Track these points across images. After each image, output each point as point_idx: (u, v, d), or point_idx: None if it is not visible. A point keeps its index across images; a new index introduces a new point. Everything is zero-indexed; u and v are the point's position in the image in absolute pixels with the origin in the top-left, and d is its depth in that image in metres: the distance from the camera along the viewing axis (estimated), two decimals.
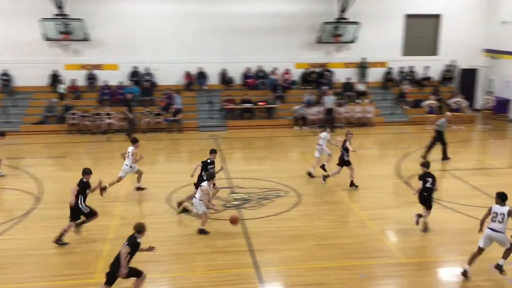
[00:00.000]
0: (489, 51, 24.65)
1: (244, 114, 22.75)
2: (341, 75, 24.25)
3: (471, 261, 9.22)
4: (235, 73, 24.00)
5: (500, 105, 23.18)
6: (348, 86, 23.83)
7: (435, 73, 24.87)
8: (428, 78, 24.69)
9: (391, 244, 10.77)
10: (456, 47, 24.56)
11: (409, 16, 24.53)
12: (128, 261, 7.96)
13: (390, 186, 14.62)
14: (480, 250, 9.17)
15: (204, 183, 10.88)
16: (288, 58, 24.05)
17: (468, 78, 25.20)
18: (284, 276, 9.38)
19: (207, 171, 11.62)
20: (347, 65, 24.51)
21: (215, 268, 9.54)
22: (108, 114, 21.37)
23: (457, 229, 11.37)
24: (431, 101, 22.40)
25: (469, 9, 24.64)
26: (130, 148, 13.24)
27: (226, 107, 22.59)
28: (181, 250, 10.34)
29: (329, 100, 22.04)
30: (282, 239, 10.85)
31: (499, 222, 8.95)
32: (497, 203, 9.10)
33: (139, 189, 13.66)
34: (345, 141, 13.86)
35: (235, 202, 12.97)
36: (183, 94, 22.85)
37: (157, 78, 23.49)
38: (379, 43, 24.09)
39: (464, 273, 9.19)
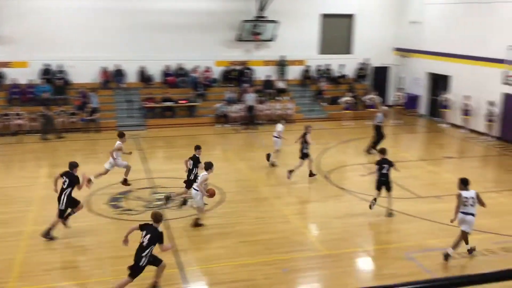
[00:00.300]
0: (399, 50, 26.04)
1: (165, 113, 22.37)
2: (261, 73, 24.55)
3: (456, 245, 9.62)
4: (155, 71, 23.51)
5: (410, 101, 24.57)
6: (268, 83, 24.17)
7: (350, 71, 25.86)
8: (343, 76, 25.63)
9: (313, 237, 11.08)
10: (369, 46, 25.69)
11: (325, 16, 25.31)
12: (151, 250, 8.16)
13: (310, 181, 15.01)
14: (464, 234, 9.61)
15: (204, 172, 11.16)
16: (208, 55, 23.95)
17: (381, 75, 26.48)
18: (209, 274, 9.35)
19: (196, 167, 12.11)
20: (267, 63, 24.86)
21: None
22: (18, 115, 20.13)
23: (373, 220, 11.90)
24: (348, 98, 23.29)
25: (380, 9, 25.87)
26: (117, 143, 13.43)
27: (146, 105, 22.09)
28: (103, 254, 9.99)
29: (250, 98, 22.24)
30: (206, 238, 10.81)
31: (471, 205, 9.51)
32: (462, 189, 9.64)
33: (125, 183, 13.56)
34: (305, 134, 14.32)
35: (157, 203, 12.72)
36: (100, 93, 22.03)
37: (71, 76, 22.46)
38: (297, 41, 24.65)
39: (446, 256, 9.59)
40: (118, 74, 22.99)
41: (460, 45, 21.57)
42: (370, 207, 11.90)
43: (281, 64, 24.83)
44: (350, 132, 21.53)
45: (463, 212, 9.59)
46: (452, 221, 9.82)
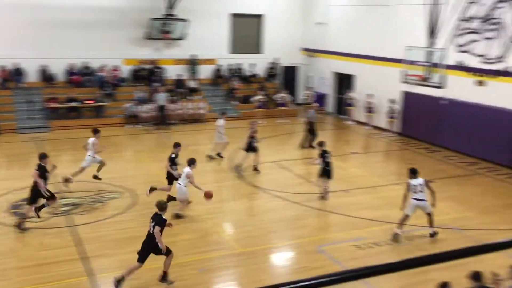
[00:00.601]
0: (306, 50, 26.87)
1: (70, 114, 21.30)
2: (172, 72, 24.19)
3: (401, 225, 10.68)
4: (58, 70, 22.31)
5: (318, 100, 25.42)
6: (179, 83, 23.87)
7: (260, 70, 26.26)
8: (254, 75, 25.97)
9: (227, 236, 11.10)
10: (278, 46, 26.25)
11: (235, 15, 25.48)
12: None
13: (225, 179, 15.03)
14: (407, 217, 10.68)
15: (186, 168, 11.52)
16: (116, 54, 23.15)
17: (290, 75, 27.17)
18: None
19: (175, 165, 12.34)
20: (178, 62, 24.54)
21: (46, 281, 8.77)
22: None
23: (286, 216, 12.17)
24: (260, 97, 23.59)
25: (288, 10, 26.52)
26: (91, 139, 13.54)
27: (49, 106, 20.90)
28: (5, 265, 9.29)
29: (161, 97, 21.82)
30: (118, 243, 10.44)
31: (421, 191, 10.58)
32: (411, 178, 10.69)
33: (96, 178, 13.66)
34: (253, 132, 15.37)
35: (64, 208, 12.08)
36: None
37: None
38: (208, 40, 24.59)
39: (395, 236, 10.66)
40: (17, 73, 21.54)
41: (362, 45, 22.69)
42: (323, 197, 13.00)
43: (192, 63, 24.63)
44: (263, 131, 21.82)
45: (414, 199, 10.66)
46: (401, 209, 10.79)
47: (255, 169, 15.33)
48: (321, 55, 25.74)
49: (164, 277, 8.85)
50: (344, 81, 24.79)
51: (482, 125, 17.20)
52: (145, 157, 17.03)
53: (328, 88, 25.60)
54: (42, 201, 11.05)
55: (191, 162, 11.63)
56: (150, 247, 8.65)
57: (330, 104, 25.64)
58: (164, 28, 23.34)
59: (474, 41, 17.50)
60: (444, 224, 11.73)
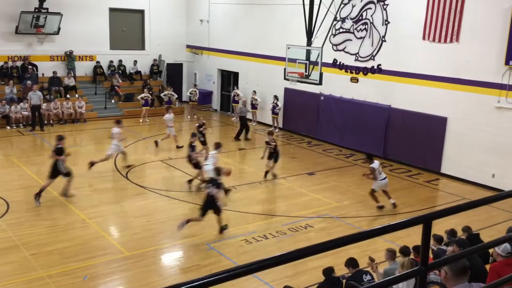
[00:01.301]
0: (191, 47, 26.70)
1: None
2: (46, 69, 22.63)
3: (376, 200, 12.65)
4: None
5: (204, 97, 25.42)
6: (55, 80, 22.38)
7: (144, 67, 25.57)
8: (138, 72, 25.23)
9: (113, 240, 10.65)
10: (162, 43, 25.77)
11: (113, 10, 24.48)
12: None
13: (109, 181, 14.43)
14: (374, 192, 12.62)
15: (214, 152, 13.58)
16: None
17: (175, 72, 26.82)
18: None
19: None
20: (53, 58, 23.01)
21: None
22: None
23: (175, 215, 11.99)
24: (144, 95, 22.91)
25: (170, 7, 26.09)
26: (115, 129, 14.86)
27: None
28: None
29: (35, 96, 20.23)
30: None
31: (380, 172, 12.58)
32: (371, 163, 12.56)
33: (128, 167, 14.98)
34: (201, 126, 16.21)
35: None
36: None
37: None
38: (86, 35, 23.36)
39: (380, 207, 12.59)
40: None
41: (245, 43, 23.09)
42: (275, 177, 14.80)
43: (69, 59, 23.21)
44: (148, 129, 21.34)
45: (381, 179, 12.53)
46: (373, 190, 12.59)
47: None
48: (206, 52, 25.76)
49: (222, 230, 10.87)
50: (229, 78, 25.07)
51: (356, 119, 18.42)
52: (17, 161, 15.74)
53: (213, 85, 25.70)
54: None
55: (218, 146, 13.74)
56: (210, 207, 10.58)
57: (216, 101, 25.77)
58: (36, 22, 21.70)
59: (348, 40, 18.66)
60: (325, 214, 12.37)
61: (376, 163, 12.69)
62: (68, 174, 12.50)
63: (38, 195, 12.12)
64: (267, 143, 15.00)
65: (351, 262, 7.56)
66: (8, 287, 8.46)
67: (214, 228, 11.37)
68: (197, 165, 13.94)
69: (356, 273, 7.40)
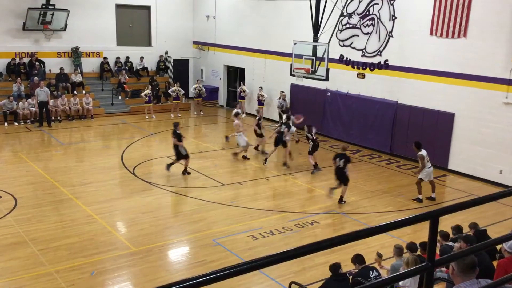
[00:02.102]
0: (197, 43, 26.71)
1: None
2: (53, 65, 22.72)
3: (420, 192, 12.93)
4: None
5: (210, 93, 25.43)
6: (62, 76, 22.46)
7: (150, 63, 25.61)
8: (144, 69, 25.26)
9: (120, 236, 10.70)
10: (168, 39, 25.79)
11: (120, 6, 24.49)
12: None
13: (116, 177, 14.49)
14: (421, 181, 12.90)
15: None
16: None
17: (181, 68, 26.83)
18: None
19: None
20: (60, 54, 23.10)
21: None
22: None
23: (182, 211, 12.05)
24: (149, 91, 22.95)
25: (177, 3, 26.08)
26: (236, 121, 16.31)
27: None
28: None
29: (42, 93, 20.31)
30: None
31: (428, 161, 12.73)
32: (422, 152, 12.53)
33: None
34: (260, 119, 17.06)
35: None
36: None
37: None
38: (93, 32, 23.43)
39: (418, 200, 12.95)
40: None
41: (252, 39, 23.06)
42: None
43: (76, 56, 23.28)
44: (154, 125, 21.40)
45: (428, 167, 12.69)
46: (420, 180, 12.85)
47: (185, 171, 14.79)
48: (212, 48, 25.75)
49: (340, 200, 12.47)
50: (235, 74, 25.06)
51: (363, 115, 18.36)
52: (25, 157, 15.84)
53: (220, 81, 25.71)
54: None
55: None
56: (341, 178, 12.37)
57: (222, 97, 25.78)
58: (43, 18, 21.78)
59: (355, 36, 18.58)
60: (332, 210, 12.36)
61: (425, 152, 12.63)
62: (187, 156, 14.43)
63: (185, 171, 14.57)
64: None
65: (358, 258, 7.55)
66: (16, 282, 8.54)
67: (220, 224, 11.40)
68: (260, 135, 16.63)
69: (363, 269, 7.39)
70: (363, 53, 18.31)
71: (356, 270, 7.55)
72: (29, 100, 20.63)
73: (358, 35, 18.46)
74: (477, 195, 12.82)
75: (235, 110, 17.60)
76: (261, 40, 22.55)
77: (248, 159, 16.23)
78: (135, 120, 21.91)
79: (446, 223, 9.24)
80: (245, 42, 23.47)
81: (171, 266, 9.74)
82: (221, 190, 13.60)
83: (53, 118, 20.65)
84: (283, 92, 20.85)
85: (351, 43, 18.74)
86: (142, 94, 22.53)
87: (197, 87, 23.94)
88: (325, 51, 16.49)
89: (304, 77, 17.69)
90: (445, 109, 15.83)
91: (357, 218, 11.93)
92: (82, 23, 22.83)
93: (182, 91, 23.77)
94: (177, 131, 14.42)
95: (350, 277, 7.47)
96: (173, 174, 14.72)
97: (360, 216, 12.09)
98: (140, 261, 9.53)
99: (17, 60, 22.07)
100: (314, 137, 15.46)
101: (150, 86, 22.97)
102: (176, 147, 14.37)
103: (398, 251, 8.00)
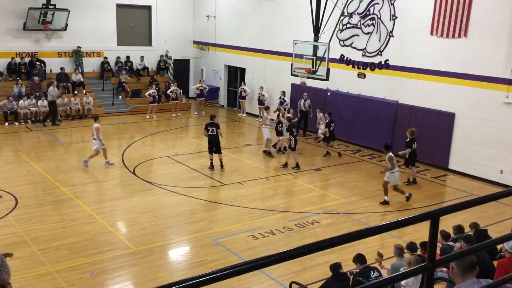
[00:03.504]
0: (198, 43, 26.70)
1: None
2: (54, 65, 22.72)
3: (386, 193, 12.76)
4: None
5: (211, 93, 25.43)
6: (63, 76, 22.46)
7: (151, 63, 25.61)
8: (145, 68, 25.26)
9: (121, 236, 10.70)
10: (169, 39, 25.78)
11: (120, 6, 24.49)
12: None
13: (117, 177, 14.49)
14: (387, 183, 12.76)
15: (265, 114, 17.15)
16: None
17: (182, 68, 26.83)
18: None
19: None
20: (60, 54, 23.10)
21: None
22: None
23: (182, 210, 12.04)
24: (151, 91, 22.92)
25: (177, 3, 26.08)
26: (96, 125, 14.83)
27: None
28: None
29: (55, 91, 20.33)
30: None
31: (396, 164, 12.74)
32: (390, 153, 12.65)
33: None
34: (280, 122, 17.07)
35: None
36: None
37: None
38: (93, 32, 23.44)
39: (385, 202, 12.76)
40: None
41: (252, 39, 23.05)
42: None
43: (77, 56, 23.29)
44: (155, 125, 21.40)
45: (396, 171, 12.68)
46: (387, 182, 12.70)
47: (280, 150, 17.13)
48: (213, 48, 25.74)
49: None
50: (236, 74, 25.05)
51: (364, 115, 18.35)
52: (26, 157, 15.85)
53: (220, 81, 25.70)
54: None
55: (267, 108, 17.10)
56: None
57: (222, 97, 25.78)
58: (44, 18, 21.79)
59: (355, 35, 18.58)
60: (332, 209, 12.36)
61: (392, 154, 12.74)
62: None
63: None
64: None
65: (359, 258, 7.55)
66: (17, 282, 8.53)
67: (221, 223, 11.41)
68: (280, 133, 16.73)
69: (364, 269, 7.39)
70: (364, 53, 18.31)
71: (357, 270, 7.54)
72: (29, 100, 20.59)
73: (358, 35, 18.46)
74: (478, 195, 12.82)
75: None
76: (262, 40, 22.55)
77: (272, 156, 16.85)
78: (135, 120, 21.92)
79: (446, 223, 9.24)
80: (245, 42, 23.47)
81: (172, 266, 9.74)
82: (221, 189, 13.60)
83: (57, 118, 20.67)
84: (305, 93, 20.41)
85: (352, 43, 18.74)
86: (146, 94, 22.51)
87: (199, 86, 23.94)
88: (325, 51, 16.47)
89: (304, 76, 17.68)
90: (445, 109, 15.82)
91: (358, 218, 11.93)
92: (82, 23, 22.84)
93: (179, 90, 23.76)
94: (216, 122, 15.05)
95: (351, 277, 7.47)
96: (173, 174, 14.72)
97: (360, 216, 12.08)
98: (140, 261, 9.53)
99: (18, 60, 22.07)
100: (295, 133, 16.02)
101: (154, 85, 22.95)
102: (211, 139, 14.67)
103: (399, 251, 7.99)
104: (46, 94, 20.38)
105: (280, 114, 17.60)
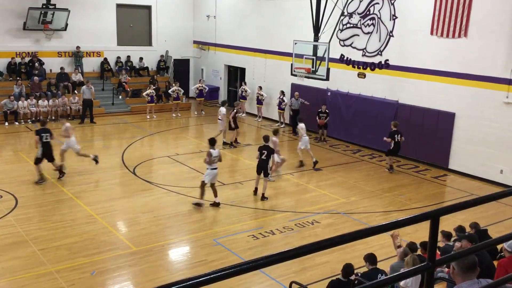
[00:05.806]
0: (198, 42, 26.70)
1: None
2: (54, 65, 22.72)
3: (202, 195, 11.96)
4: None
5: (211, 93, 25.43)
6: (63, 76, 22.46)
7: (151, 63, 25.60)
8: (145, 68, 25.26)
9: (121, 236, 10.70)
10: (169, 38, 25.78)
11: (120, 6, 24.49)
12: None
13: (117, 177, 14.49)
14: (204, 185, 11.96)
15: (274, 138, 13.78)
16: None
17: (182, 68, 26.82)
18: None
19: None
20: (60, 54, 23.10)
21: None
22: None
23: (182, 210, 12.03)
24: (151, 91, 22.94)
25: (177, 2, 26.08)
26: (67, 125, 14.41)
27: None
28: None
29: (88, 91, 20.33)
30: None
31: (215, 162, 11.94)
32: (212, 148, 11.94)
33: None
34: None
35: None
36: None
37: None
38: (93, 31, 23.43)
39: (198, 204, 11.93)
40: None
41: (252, 39, 23.05)
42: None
43: (77, 56, 23.28)
44: (155, 125, 21.40)
45: (213, 168, 11.88)
46: (204, 182, 11.92)
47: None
48: (213, 48, 25.74)
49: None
50: (236, 74, 25.04)
51: (364, 115, 18.35)
52: (26, 157, 15.84)
53: (220, 81, 25.70)
54: None
55: (276, 132, 14.22)
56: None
57: (222, 97, 25.76)
58: (44, 18, 21.78)
59: (355, 35, 18.57)
60: (332, 209, 12.35)
61: (215, 151, 11.88)
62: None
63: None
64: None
65: (370, 258, 7.39)
66: (17, 282, 8.54)
67: (221, 223, 11.40)
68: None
69: (372, 270, 7.31)
70: (364, 53, 18.30)
71: (366, 270, 7.44)
72: (29, 100, 20.58)
73: (358, 35, 18.45)
74: (478, 195, 12.82)
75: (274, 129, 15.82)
76: (262, 40, 22.55)
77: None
78: (135, 120, 21.91)
79: (447, 223, 9.24)
80: (245, 42, 23.46)
81: (172, 265, 9.75)
82: (222, 189, 13.59)
83: (53, 117, 20.65)
84: (297, 92, 20.50)
85: (352, 43, 18.73)
86: (144, 93, 22.51)
87: (199, 86, 23.93)
88: (325, 50, 16.47)
89: (306, 76, 17.68)
90: (445, 108, 15.82)
91: (358, 218, 11.92)
92: (82, 23, 22.83)
93: (182, 90, 23.77)
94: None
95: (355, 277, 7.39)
96: (173, 174, 14.72)
97: (361, 216, 12.08)
98: (140, 260, 9.53)
99: (18, 59, 22.07)
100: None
101: (152, 85, 22.95)
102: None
103: (403, 254, 7.93)
104: (46, 94, 20.35)
105: (236, 109, 18.43)
